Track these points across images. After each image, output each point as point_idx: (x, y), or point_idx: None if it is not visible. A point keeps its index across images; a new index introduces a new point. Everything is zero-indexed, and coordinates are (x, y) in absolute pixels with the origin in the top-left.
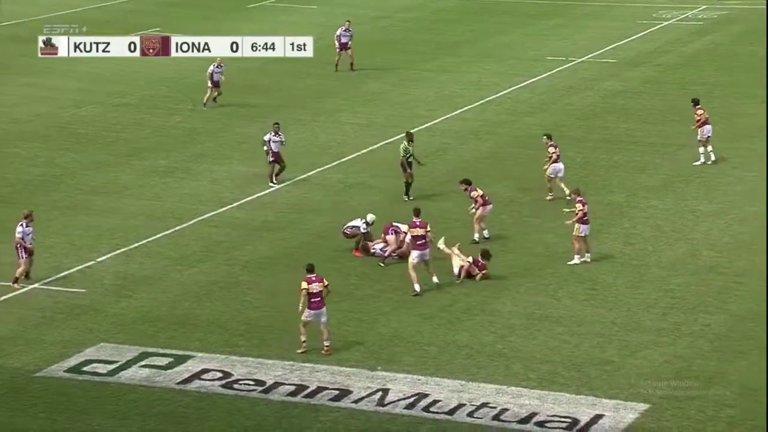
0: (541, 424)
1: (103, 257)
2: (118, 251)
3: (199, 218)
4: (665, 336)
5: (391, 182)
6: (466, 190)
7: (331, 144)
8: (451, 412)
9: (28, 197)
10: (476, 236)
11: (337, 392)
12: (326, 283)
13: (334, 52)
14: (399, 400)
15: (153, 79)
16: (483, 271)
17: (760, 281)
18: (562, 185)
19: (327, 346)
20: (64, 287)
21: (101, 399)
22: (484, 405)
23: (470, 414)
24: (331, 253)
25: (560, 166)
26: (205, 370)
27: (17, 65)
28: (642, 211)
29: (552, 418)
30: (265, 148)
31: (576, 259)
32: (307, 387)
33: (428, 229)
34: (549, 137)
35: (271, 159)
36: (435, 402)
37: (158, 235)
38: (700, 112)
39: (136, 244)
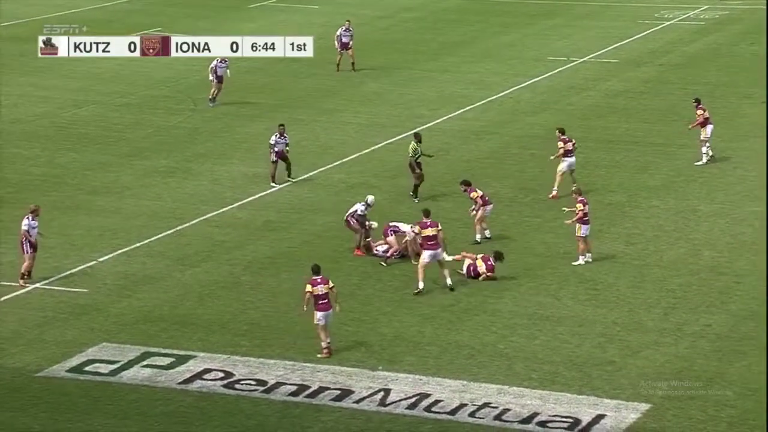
0: (542, 424)
1: (105, 257)
2: (120, 251)
3: (201, 218)
4: (666, 336)
5: (393, 182)
6: (465, 191)
7: (333, 144)
8: (453, 412)
9: (28, 197)
10: (478, 237)
11: (338, 392)
12: (331, 285)
13: (335, 52)
14: (401, 400)
15: (154, 79)
16: (489, 273)
17: (761, 281)
18: (560, 179)
19: (328, 342)
20: (65, 287)
21: (103, 399)
22: (485, 405)
23: (472, 414)
24: (332, 254)
25: (572, 159)
26: (207, 370)
27: (18, 65)
28: (643, 211)
29: (553, 418)
30: (270, 149)
31: (581, 260)
32: (309, 387)
33: (439, 228)
34: (562, 131)
35: (273, 159)
36: (437, 402)
37: (160, 235)
38: (700, 112)
39: (138, 244)
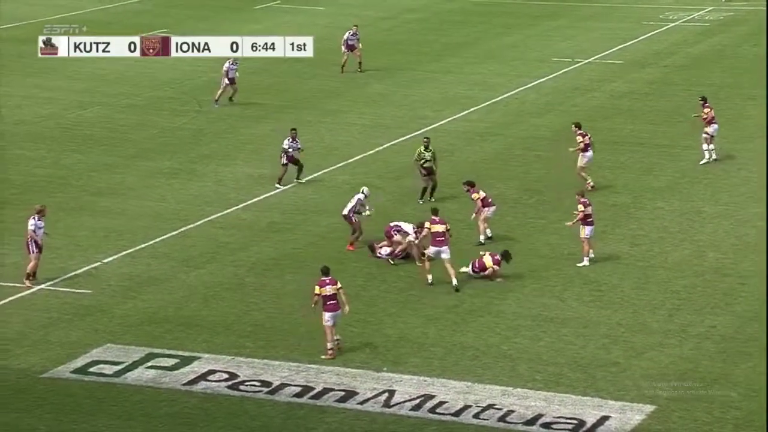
0: (547, 425)
1: (109, 258)
2: (124, 252)
3: (205, 219)
4: (671, 337)
5: (397, 183)
6: (468, 191)
7: (337, 145)
8: (457, 413)
9: (33, 199)
10: (482, 238)
11: (343, 393)
12: (339, 286)
13: (339, 53)
14: (405, 401)
15: (159, 80)
16: (496, 267)
17: (764, 282)
18: (584, 174)
19: (338, 339)
20: (70, 288)
21: (107, 400)
22: (490, 406)
23: (476, 415)
24: (337, 255)
25: (589, 154)
26: (211, 372)
27: (22, 66)
28: (648, 212)
29: (558, 420)
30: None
31: (585, 261)
32: (313, 388)
33: (448, 227)
34: (578, 126)
35: (284, 162)
36: (441, 403)
37: (164, 237)
38: (707, 110)
39: (142, 245)
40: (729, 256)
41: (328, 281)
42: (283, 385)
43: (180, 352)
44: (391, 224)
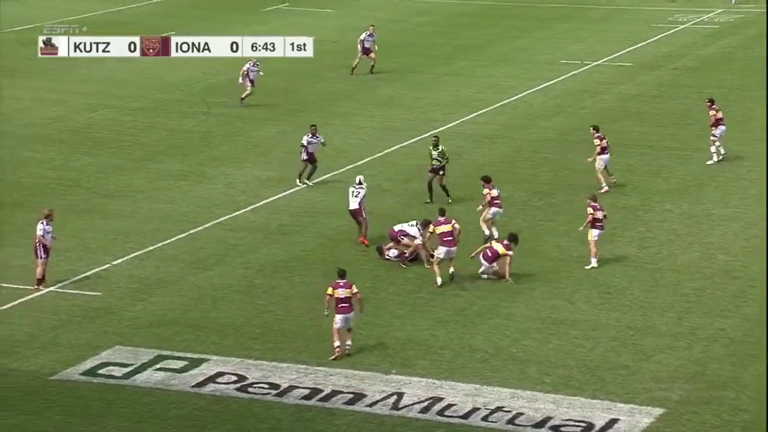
0: (556, 428)
1: (119, 260)
2: (134, 254)
3: (214, 222)
4: (680, 340)
5: (405, 186)
6: (483, 186)
7: (347, 147)
8: (466, 416)
9: (43, 201)
10: (487, 232)
11: (351, 396)
12: (355, 290)
13: (348, 55)
14: (413, 404)
15: (168, 82)
16: (508, 252)
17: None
18: (600, 176)
19: (348, 345)
20: (79, 290)
21: (117, 402)
22: (498, 409)
23: (485, 418)
24: (346, 257)
25: (607, 156)
26: (220, 374)
27: (31, 69)
28: (657, 214)
29: (567, 423)
30: (302, 149)
31: (593, 263)
32: (322, 390)
33: (457, 226)
34: (596, 129)
35: (304, 158)
36: (449, 406)
37: (173, 239)
38: (713, 112)
39: (152, 248)
40: (738, 259)
41: (342, 284)
42: (291, 388)
43: (189, 354)
44: (396, 228)
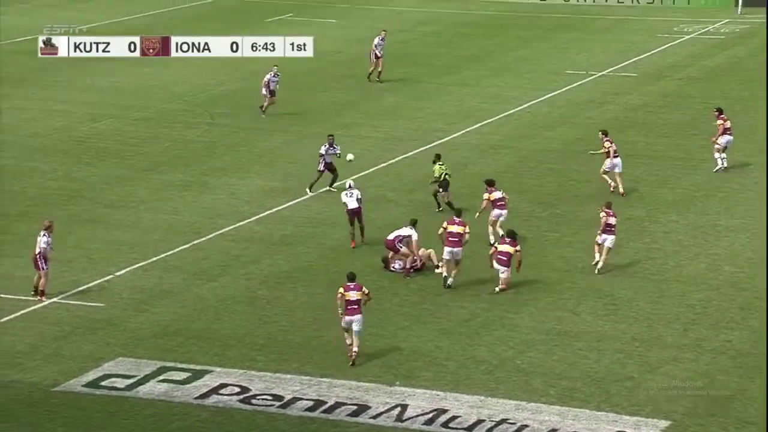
0: None
1: (122, 271)
2: (137, 265)
3: (218, 232)
4: (686, 352)
5: (409, 197)
6: (486, 190)
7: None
8: (471, 428)
9: (46, 211)
10: (491, 239)
11: (355, 407)
12: (366, 291)
13: (351, 65)
14: (418, 415)
15: (171, 92)
16: (515, 248)
17: None
18: (618, 181)
19: (354, 352)
20: (82, 301)
21: (119, 414)
22: (503, 421)
23: (489, 430)
24: (349, 268)
25: (617, 161)
26: (223, 385)
27: (34, 79)
28: (662, 225)
29: None
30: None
31: (597, 258)
32: (326, 402)
33: (467, 230)
34: (605, 133)
35: (320, 168)
36: (454, 418)
37: (176, 249)
38: (720, 122)
39: (155, 258)
40: (745, 270)
41: (352, 286)
42: (295, 399)
43: (192, 366)
44: (390, 237)
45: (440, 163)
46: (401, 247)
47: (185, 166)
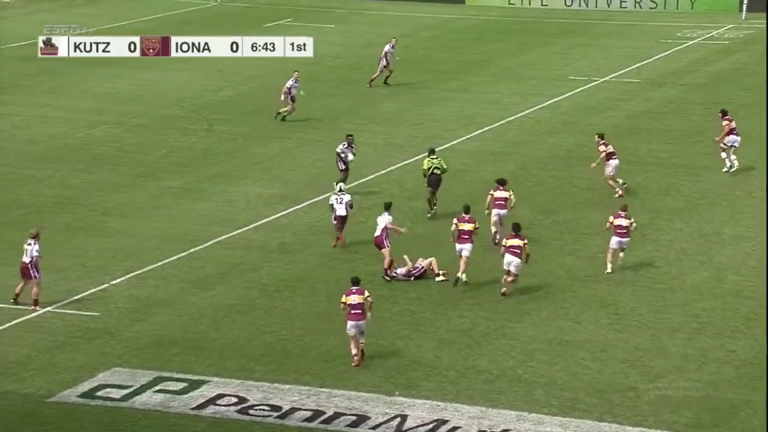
0: None
1: (117, 280)
2: (132, 274)
3: (215, 240)
4: (690, 362)
5: (409, 204)
6: (496, 188)
7: (350, 165)
8: None
9: (41, 219)
10: (497, 237)
11: (354, 418)
12: (367, 295)
13: (351, 70)
14: (418, 426)
15: (168, 99)
16: (525, 241)
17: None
18: (612, 182)
19: (362, 343)
20: (77, 310)
21: (114, 424)
22: None
23: None
24: (348, 276)
25: (615, 162)
26: (221, 396)
27: (30, 85)
28: (666, 233)
29: None
30: (339, 159)
31: (609, 268)
32: (324, 412)
33: (477, 226)
34: (601, 137)
35: (342, 168)
36: (455, 429)
37: (173, 258)
38: (725, 122)
39: (151, 267)
40: (749, 279)
41: (354, 290)
42: (293, 410)
43: (189, 376)
44: (377, 232)
45: (433, 156)
46: (387, 245)
47: (182, 173)
